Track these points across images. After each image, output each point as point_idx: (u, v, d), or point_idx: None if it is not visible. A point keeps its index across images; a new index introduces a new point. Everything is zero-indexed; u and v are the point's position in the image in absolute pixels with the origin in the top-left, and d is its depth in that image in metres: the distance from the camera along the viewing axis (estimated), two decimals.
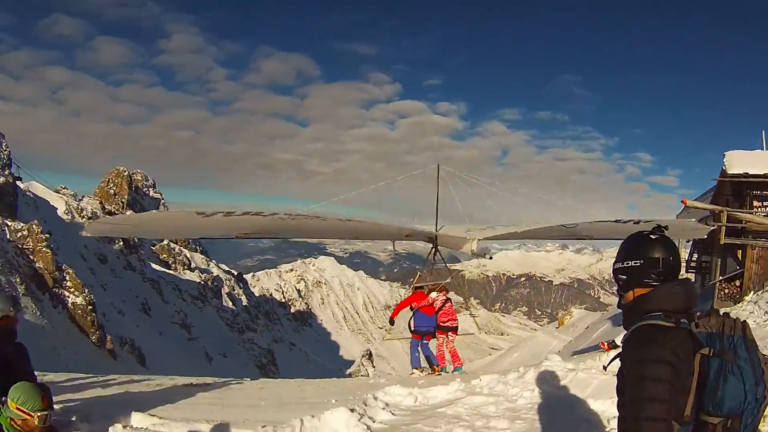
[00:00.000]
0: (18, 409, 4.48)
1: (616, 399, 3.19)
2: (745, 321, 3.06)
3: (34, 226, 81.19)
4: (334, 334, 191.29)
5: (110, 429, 7.34)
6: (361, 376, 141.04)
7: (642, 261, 3.26)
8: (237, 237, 11.71)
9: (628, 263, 3.32)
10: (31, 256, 76.39)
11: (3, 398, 4.64)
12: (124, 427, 7.51)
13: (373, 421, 7.95)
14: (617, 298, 3.51)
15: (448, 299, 16.63)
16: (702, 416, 2.96)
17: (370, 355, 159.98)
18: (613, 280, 3.48)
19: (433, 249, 18.87)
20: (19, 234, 78.78)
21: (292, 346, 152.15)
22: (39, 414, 4.50)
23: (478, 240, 16.48)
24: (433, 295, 16.30)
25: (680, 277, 3.30)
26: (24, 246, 77.76)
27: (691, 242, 36.44)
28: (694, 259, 36.45)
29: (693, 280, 35.02)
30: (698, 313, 3.15)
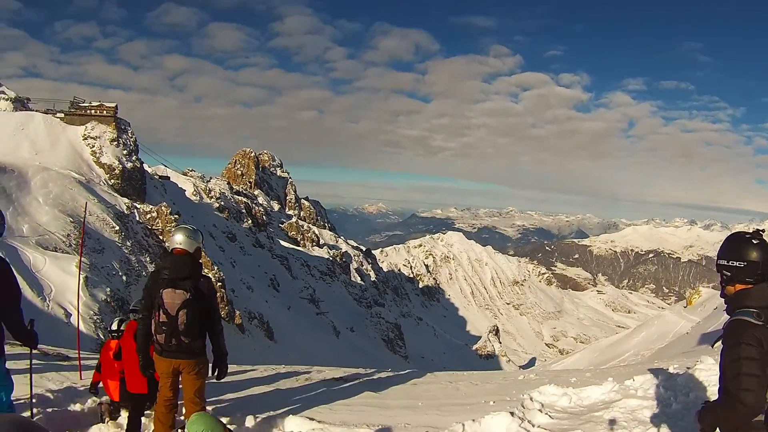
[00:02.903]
0: None
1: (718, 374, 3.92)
2: None
3: (162, 207, 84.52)
4: (462, 309, 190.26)
5: None
6: (487, 351, 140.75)
7: (745, 263, 3.87)
8: None
9: (732, 263, 3.93)
10: (161, 236, 79.35)
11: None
12: None
13: (533, 425, 7.70)
14: (720, 289, 4.14)
15: None
16: None
17: (497, 330, 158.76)
18: (717, 272, 4.08)
19: None
20: (149, 215, 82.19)
21: (419, 320, 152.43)
22: None
23: None
24: None
25: None
26: (153, 227, 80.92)
27: None
28: None
29: None
30: None
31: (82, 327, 46.20)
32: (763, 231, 4.03)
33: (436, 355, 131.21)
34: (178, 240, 6.37)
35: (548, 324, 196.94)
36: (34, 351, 12.75)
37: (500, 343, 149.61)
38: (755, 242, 3.88)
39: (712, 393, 7.72)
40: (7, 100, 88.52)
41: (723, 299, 4.10)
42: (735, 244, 3.96)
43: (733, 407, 3.71)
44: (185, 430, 4.50)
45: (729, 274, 3.95)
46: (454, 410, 9.02)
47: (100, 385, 8.11)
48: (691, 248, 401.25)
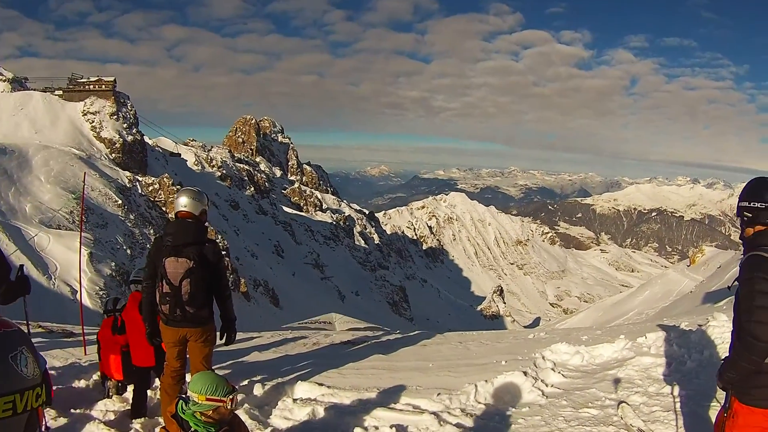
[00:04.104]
0: (209, 399, 4.25)
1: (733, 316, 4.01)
2: None
3: (165, 178, 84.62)
4: (466, 270, 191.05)
5: (280, 403, 7.26)
6: (492, 312, 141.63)
7: (766, 204, 3.94)
8: None
9: (755, 204, 4.00)
10: (164, 208, 79.61)
11: (184, 396, 4.43)
12: (295, 400, 7.38)
13: (546, 385, 7.74)
14: (740, 231, 4.20)
15: None
16: None
17: (501, 291, 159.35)
18: (736, 215, 4.20)
19: None
20: (151, 188, 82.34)
21: (423, 282, 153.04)
22: (231, 396, 4.33)
23: None
24: None
25: None
26: (156, 199, 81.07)
27: None
28: None
29: None
30: None
31: (88, 302, 46.65)
32: None
33: (441, 316, 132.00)
34: (183, 202, 6.19)
35: (552, 283, 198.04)
36: (39, 329, 12.90)
37: (505, 303, 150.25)
38: None
39: (726, 350, 7.71)
40: (4, 81, 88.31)
41: (742, 241, 4.15)
42: (757, 187, 4.05)
43: (746, 343, 3.76)
44: (188, 390, 4.38)
45: (750, 215, 4.03)
46: (465, 371, 8.99)
47: (109, 383, 7.76)
48: (694, 207, 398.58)
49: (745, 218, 4.06)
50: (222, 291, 6.29)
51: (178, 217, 6.24)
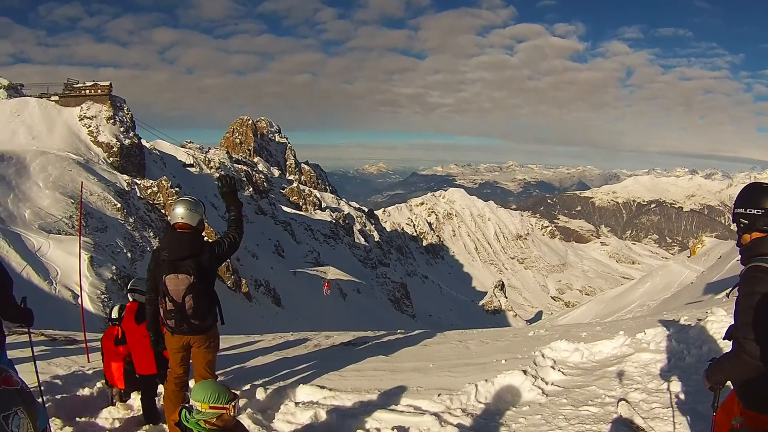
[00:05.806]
0: (213, 407, 4.34)
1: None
2: None
3: (163, 181, 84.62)
4: (467, 265, 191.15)
5: (282, 407, 7.30)
6: (494, 307, 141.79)
7: (762, 211, 3.88)
8: None
9: (750, 211, 3.94)
10: (163, 210, 79.55)
11: (187, 405, 4.50)
12: (297, 404, 7.41)
13: (546, 383, 7.74)
14: (737, 238, 4.13)
15: None
16: None
17: (503, 285, 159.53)
18: (733, 222, 4.09)
19: None
20: (149, 191, 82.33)
21: (424, 279, 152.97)
22: (233, 403, 4.41)
23: None
24: None
25: None
26: (155, 201, 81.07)
27: None
28: None
29: None
30: None
31: (90, 307, 46.78)
32: None
33: (443, 312, 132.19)
34: (179, 214, 6.11)
35: (553, 277, 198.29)
36: (42, 337, 12.99)
37: (506, 297, 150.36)
38: None
39: (725, 345, 7.65)
40: (0, 88, 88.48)
41: (738, 249, 4.08)
42: (752, 193, 3.98)
43: (739, 357, 3.76)
44: (190, 399, 4.43)
45: (746, 222, 3.95)
46: (465, 371, 8.98)
47: (113, 390, 7.74)
48: (693, 198, 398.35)
49: (742, 225, 4.00)
50: (228, 253, 6.24)
51: (175, 228, 6.17)
